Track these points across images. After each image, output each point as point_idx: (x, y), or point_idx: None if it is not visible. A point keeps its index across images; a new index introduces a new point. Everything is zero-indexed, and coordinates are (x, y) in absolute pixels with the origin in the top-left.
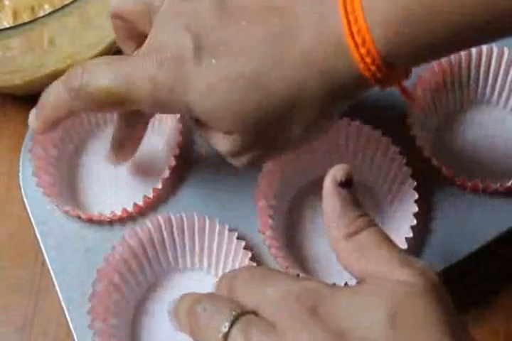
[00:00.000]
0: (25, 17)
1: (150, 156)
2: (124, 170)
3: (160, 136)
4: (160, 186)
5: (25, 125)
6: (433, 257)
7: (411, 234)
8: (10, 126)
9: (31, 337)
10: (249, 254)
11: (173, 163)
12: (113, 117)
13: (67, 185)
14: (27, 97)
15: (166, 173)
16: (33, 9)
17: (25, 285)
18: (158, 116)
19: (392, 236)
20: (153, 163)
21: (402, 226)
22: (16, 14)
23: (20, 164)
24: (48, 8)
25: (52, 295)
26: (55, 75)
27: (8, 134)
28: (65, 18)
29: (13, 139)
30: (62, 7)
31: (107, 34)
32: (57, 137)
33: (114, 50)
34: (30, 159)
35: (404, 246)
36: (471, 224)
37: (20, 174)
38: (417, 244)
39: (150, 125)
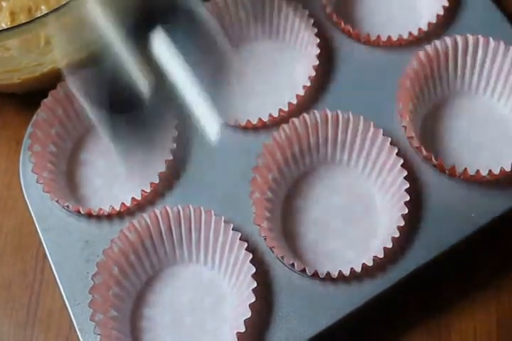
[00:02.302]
0: (23, 18)
1: (147, 151)
2: (121, 165)
3: (156, 131)
4: (157, 180)
5: (25, 123)
6: (425, 244)
7: (402, 223)
8: (10, 124)
9: (34, 330)
10: (246, 245)
11: (169, 157)
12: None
13: (67, 181)
14: (26, 97)
15: (163, 168)
16: (29, 10)
17: (27, 280)
18: (154, 111)
19: (384, 225)
20: (150, 158)
21: (393, 215)
22: (13, 15)
23: (20, 161)
24: (44, 9)
25: (54, 288)
26: (52, 74)
27: (9, 133)
28: (61, 18)
29: (13, 137)
30: (59, 7)
31: (103, 33)
32: (55, 134)
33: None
34: (29, 156)
35: (396, 234)
36: (462, 212)
37: (20, 171)
38: (409, 232)
39: (146, 120)
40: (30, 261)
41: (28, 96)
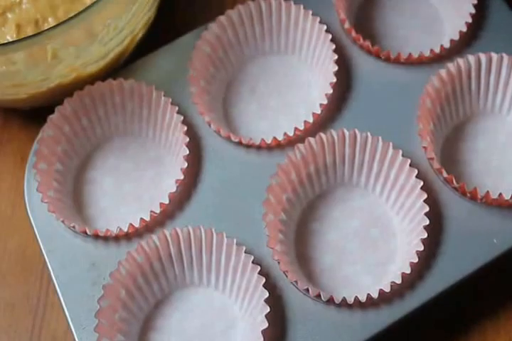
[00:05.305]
0: (29, 31)
1: (157, 170)
2: (130, 184)
3: (167, 150)
4: (167, 201)
5: (31, 139)
6: (445, 270)
7: (422, 248)
8: (15, 141)
9: None
10: (258, 268)
11: (180, 176)
12: (119, 129)
13: (73, 200)
14: (32, 112)
15: (174, 188)
16: (36, 23)
17: (31, 303)
18: (165, 129)
19: (403, 250)
20: (161, 177)
21: (412, 240)
22: (19, 28)
23: (25, 179)
24: (52, 22)
25: (59, 312)
26: (59, 89)
27: (14, 150)
28: (69, 31)
29: (18, 155)
30: (67, 20)
31: (112, 48)
32: (61, 151)
33: (119, 64)
34: (34, 174)
35: (414, 259)
36: (483, 237)
37: (25, 190)
38: (428, 257)
39: (157, 138)
40: (34, 283)
41: (34, 111)
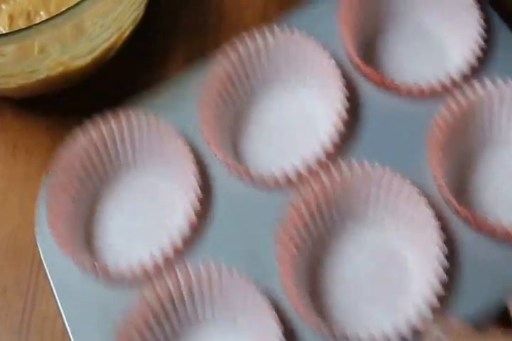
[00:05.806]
0: (21, 23)
1: (167, 204)
2: (140, 220)
3: (177, 185)
4: (178, 236)
5: (23, 129)
6: (460, 304)
7: (436, 279)
8: (8, 130)
9: (28, 337)
10: (269, 303)
11: (190, 211)
12: (129, 163)
13: (83, 237)
14: (24, 101)
15: (186, 229)
16: (28, 15)
17: (22, 287)
18: (172, 160)
19: (416, 281)
20: (171, 211)
21: (425, 271)
22: (11, 19)
23: (36, 215)
24: (43, 15)
25: (49, 297)
26: (47, 81)
27: (5, 138)
28: (59, 25)
29: (10, 143)
30: (58, 14)
31: (99, 44)
32: (72, 189)
33: (107, 59)
34: (46, 202)
35: (428, 291)
36: (499, 269)
37: (35, 224)
38: (442, 289)
39: (165, 170)
40: (25, 268)
41: (27, 100)
